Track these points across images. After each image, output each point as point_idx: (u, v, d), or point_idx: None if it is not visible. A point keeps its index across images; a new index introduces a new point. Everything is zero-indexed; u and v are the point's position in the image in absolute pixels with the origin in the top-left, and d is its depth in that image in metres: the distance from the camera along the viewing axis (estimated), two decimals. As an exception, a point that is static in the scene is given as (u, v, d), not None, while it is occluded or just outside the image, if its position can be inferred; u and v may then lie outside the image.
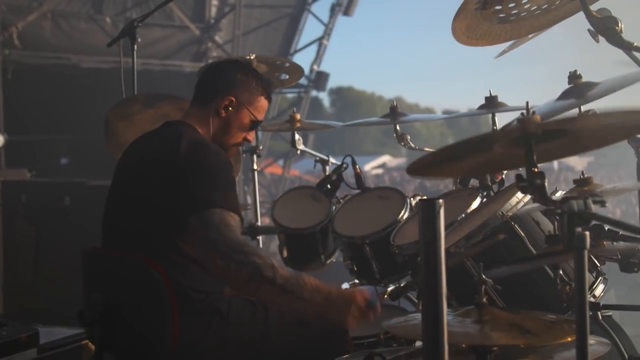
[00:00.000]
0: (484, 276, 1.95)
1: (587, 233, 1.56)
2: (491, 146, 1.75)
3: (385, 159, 34.33)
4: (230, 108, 2.91)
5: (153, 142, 2.85)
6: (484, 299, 1.94)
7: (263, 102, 3.00)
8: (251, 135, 3.04)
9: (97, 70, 10.47)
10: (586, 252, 1.57)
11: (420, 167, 1.86)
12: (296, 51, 12.74)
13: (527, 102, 1.85)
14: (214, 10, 12.09)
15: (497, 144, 1.76)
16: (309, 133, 11.76)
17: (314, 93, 13.11)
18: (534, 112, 1.85)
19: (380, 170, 30.37)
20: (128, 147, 2.95)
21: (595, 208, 1.58)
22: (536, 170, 1.77)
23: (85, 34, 10.82)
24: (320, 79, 12.28)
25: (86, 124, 9.95)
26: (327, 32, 12.58)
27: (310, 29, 13.05)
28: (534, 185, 1.77)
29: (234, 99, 2.91)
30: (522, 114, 1.86)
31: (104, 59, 10.39)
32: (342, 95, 47.84)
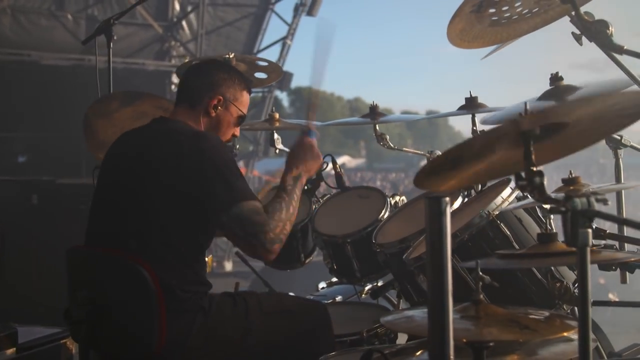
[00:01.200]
0: (481, 273, 1.98)
1: (589, 231, 1.61)
2: (493, 148, 1.78)
3: (345, 159, 34.49)
4: (219, 107, 2.95)
5: (150, 138, 2.83)
6: (482, 295, 1.97)
7: (246, 96, 3.07)
8: (237, 131, 3.10)
9: (58, 67, 10.32)
10: (589, 250, 1.62)
11: (423, 177, 1.89)
12: (259, 50, 12.74)
13: (526, 103, 1.89)
14: (177, 9, 12.01)
15: (498, 145, 1.79)
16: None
17: (276, 92, 13.12)
18: (532, 114, 1.89)
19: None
20: (115, 144, 2.92)
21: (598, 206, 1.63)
22: (535, 168, 1.81)
23: (46, 31, 10.65)
24: (284, 78, 12.30)
25: (46, 122, 9.84)
26: (291, 32, 12.60)
27: (274, 29, 13.04)
28: (533, 183, 1.80)
29: (222, 97, 2.94)
30: (520, 114, 1.89)
31: (65, 56, 10.25)
32: (301, 95, 47.80)
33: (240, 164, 14.18)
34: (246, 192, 2.66)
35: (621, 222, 1.62)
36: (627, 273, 3.02)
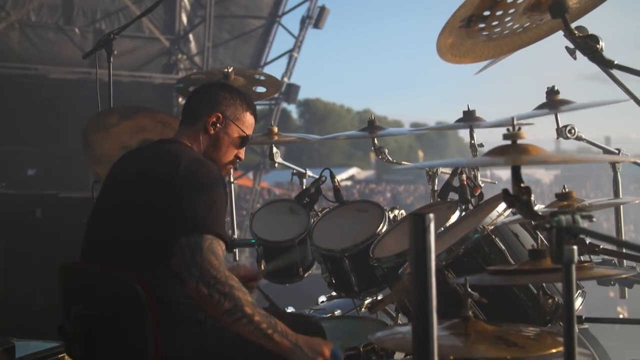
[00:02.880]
0: (469, 290, 1.97)
1: (575, 248, 1.59)
2: None
3: (354, 171, 34.45)
4: (218, 124, 2.95)
5: (149, 157, 2.85)
6: (471, 312, 1.96)
7: (249, 117, 3.05)
8: (242, 153, 3.07)
9: (65, 81, 10.38)
10: (574, 266, 1.60)
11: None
12: (266, 63, 12.78)
13: (513, 118, 1.88)
14: (184, 22, 12.07)
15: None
16: (280, 145, 11.77)
17: (283, 105, 13.15)
18: (519, 129, 1.88)
19: (349, 182, 30.49)
20: (118, 161, 2.94)
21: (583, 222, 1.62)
22: (522, 185, 1.81)
23: (54, 45, 10.73)
24: (290, 91, 12.33)
25: (53, 135, 9.89)
26: (298, 45, 12.64)
27: (281, 42, 13.08)
28: (520, 200, 1.80)
29: (220, 115, 2.95)
30: (508, 129, 1.89)
31: (72, 70, 10.31)
32: (310, 107, 47.95)
33: (249, 176, 14.18)
34: (218, 230, 2.58)
35: (604, 239, 1.60)
36: (626, 288, 3.00)
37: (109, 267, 2.67)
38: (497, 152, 1.94)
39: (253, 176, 13.57)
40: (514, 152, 1.89)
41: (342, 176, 31.72)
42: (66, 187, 7.01)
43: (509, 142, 1.91)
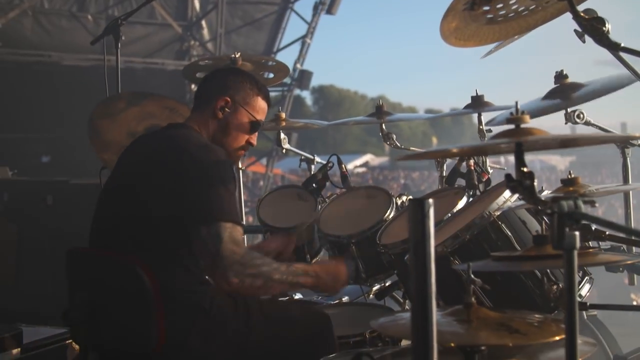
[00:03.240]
0: (472, 276, 1.94)
1: (577, 233, 1.57)
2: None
3: (368, 157, 34.38)
4: (226, 109, 2.94)
5: (157, 144, 2.83)
6: (472, 299, 1.93)
7: (261, 102, 3.03)
8: (254, 139, 3.06)
9: (79, 68, 10.40)
10: (576, 253, 1.57)
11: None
12: (279, 49, 12.75)
13: (517, 102, 1.85)
14: (196, 8, 12.05)
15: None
16: (292, 132, 11.78)
17: (296, 91, 13.12)
18: (523, 112, 1.85)
19: (363, 169, 30.43)
20: (126, 148, 2.93)
21: (585, 208, 1.59)
22: (526, 170, 1.78)
23: (67, 32, 10.75)
24: (303, 77, 12.29)
25: (67, 122, 9.91)
26: (311, 31, 12.58)
27: (294, 28, 13.04)
28: (523, 185, 1.78)
29: (229, 99, 2.94)
30: (511, 113, 1.86)
31: (86, 57, 10.32)
32: (324, 93, 47.87)
33: (263, 162, 14.18)
34: (235, 216, 2.62)
35: (606, 225, 1.57)
36: (635, 275, 2.97)
37: (115, 253, 2.67)
38: (501, 136, 1.91)
39: (266, 162, 13.56)
40: (517, 135, 1.86)
41: (356, 163, 31.69)
42: (80, 174, 7.03)
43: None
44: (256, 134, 3.06)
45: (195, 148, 2.71)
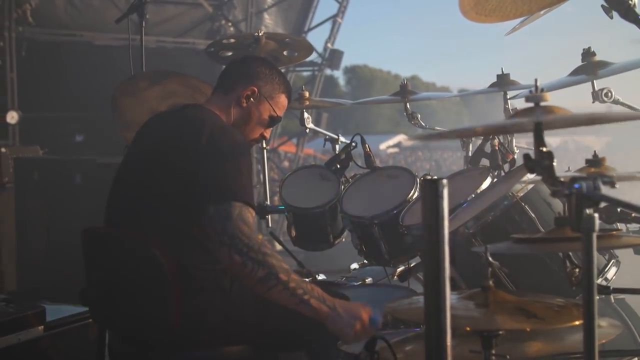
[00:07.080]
0: (490, 259, 1.90)
1: (596, 215, 1.51)
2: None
3: (401, 138, 34.14)
4: (251, 99, 2.93)
5: (174, 123, 2.82)
6: (491, 282, 1.89)
7: (284, 99, 3.03)
8: (268, 132, 3.05)
9: (110, 47, 10.42)
10: (595, 235, 1.52)
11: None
12: (310, 29, 12.61)
13: (536, 80, 1.78)
14: (227, -13, 11.98)
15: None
16: (322, 112, 11.70)
17: (328, 72, 13.00)
18: (542, 90, 1.79)
19: (395, 149, 30.25)
20: (143, 125, 2.93)
21: (605, 189, 1.53)
22: (545, 150, 1.71)
23: (98, 11, 10.75)
24: (334, 57, 12.16)
25: (99, 102, 9.94)
26: (342, 10, 12.44)
27: (325, 7, 12.89)
28: (542, 165, 1.71)
29: (256, 89, 2.93)
30: (530, 91, 1.80)
31: (117, 37, 10.32)
32: (357, 73, 47.63)
33: (293, 141, 14.14)
34: (247, 197, 2.55)
35: (624, 205, 1.51)
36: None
37: (130, 232, 2.66)
38: (521, 115, 1.85)
39: (296, 143, 13.51)
40: (537, 114, 1.80)
41: (388, 143, 31.52)
42: (113, 153, 7.07)
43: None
44: (271, 129, 3.06)
45: (213, 128, 2.69)
